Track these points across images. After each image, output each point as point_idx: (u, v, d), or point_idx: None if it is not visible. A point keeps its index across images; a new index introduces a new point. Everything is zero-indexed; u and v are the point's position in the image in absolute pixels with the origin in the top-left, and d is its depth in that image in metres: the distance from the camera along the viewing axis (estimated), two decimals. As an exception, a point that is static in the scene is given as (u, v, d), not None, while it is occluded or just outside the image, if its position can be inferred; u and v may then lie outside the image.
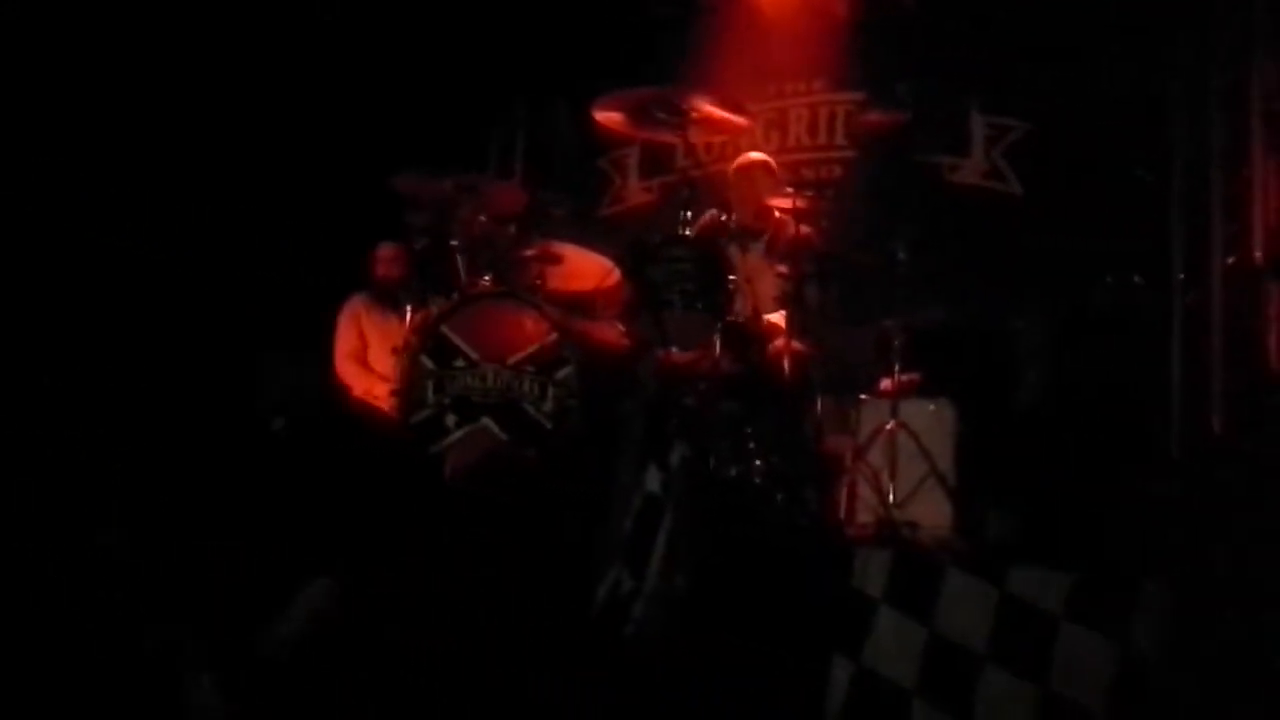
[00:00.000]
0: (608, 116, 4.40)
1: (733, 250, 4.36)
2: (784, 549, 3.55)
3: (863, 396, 4.11)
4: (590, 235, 4.98)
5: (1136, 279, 4.43)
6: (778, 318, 4.27)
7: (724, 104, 4.53)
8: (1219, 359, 4.31)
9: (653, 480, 3.49)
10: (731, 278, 4.23)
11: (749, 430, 3.90)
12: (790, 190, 4.56)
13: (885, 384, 4.12)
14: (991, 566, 3.08)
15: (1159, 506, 3.59)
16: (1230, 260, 4.45)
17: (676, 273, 4.19)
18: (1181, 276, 4.46)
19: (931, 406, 4.08)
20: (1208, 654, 2.86)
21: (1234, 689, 2.80)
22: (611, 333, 4.24)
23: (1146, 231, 4.52)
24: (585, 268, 4.44)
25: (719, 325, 4.04)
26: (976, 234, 4.77)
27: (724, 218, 4.40)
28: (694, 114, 4.34)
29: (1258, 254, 4.45)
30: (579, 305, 4.35)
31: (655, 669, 3.08)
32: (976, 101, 4.97)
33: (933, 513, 3.93)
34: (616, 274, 4.30)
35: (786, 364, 4.10)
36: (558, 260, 4.37)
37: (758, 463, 3.84)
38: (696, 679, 3.16)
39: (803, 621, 3.27)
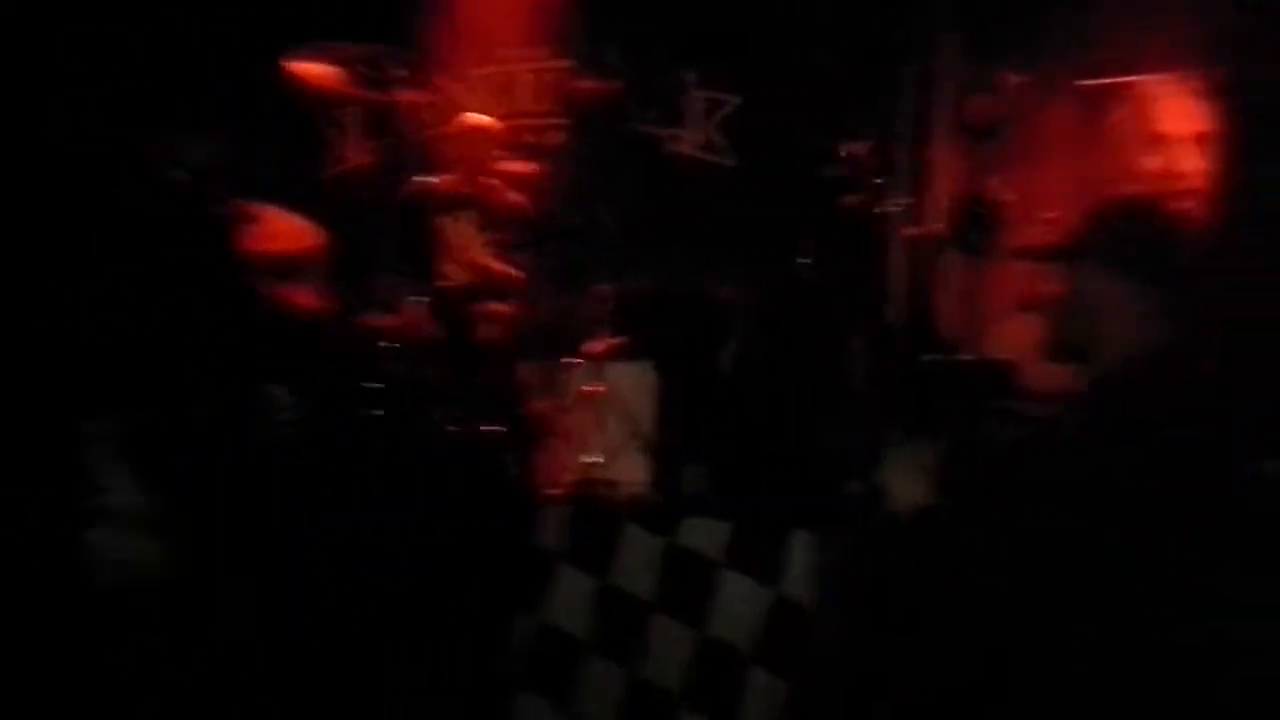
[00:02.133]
0: (317, 73, 4.29)
1: (443, 214, 4.33)
2: (481, 511, 3.58)
3: (570, 360, 4.18)
4: (306, 197, 4.83)
5: (832, 250, 4.67)
6: (486, 281, 4.28)
7: (442, 66, 4.51)
8: (901, 325, 4.63)
9: (346, 440, 3.45)
10: (441, 241, 4.23)
11: (450, 393, 3.90)
12: (507, 155, 4.58)
13: (592, 348, 4.21)
14: (665, 519, 3.20)
15: (832, 462, 3.83)
16: (913, 232, 4.79)
17: (383, 236, 4.15)
18: (869, 246, 4.74)
19: (636, 369, 4.20)
20: (858, 599, 3.07)
21: (884, 633, 3.01)
22: (307, 296, 4.14)
23: (839, 205, 4.78)
24: (284, 229, 4.30)
25: (425, 290, 4.02)
26: (690, 204, 4.91)
27: (435, 181, 4.37)
28: (406, 75, 4.30)
29: (938, 226, 4.81)
30: (278, 268, 4.21)
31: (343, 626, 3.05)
32: (693, 74, 5.11)
33: (633, 472, 4.06)
34: (319, 236, 4.19)
35: (492, 328, 4.12)
36: (253, 221, 4.21)
37: (458, 427, 3.84)
38: (382, 636, 3.15)
39: (489, 579, 3.31)
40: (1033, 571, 1.83)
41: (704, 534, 3.13)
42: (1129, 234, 1.95)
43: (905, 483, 2.55)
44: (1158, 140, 4.77)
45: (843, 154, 4.57)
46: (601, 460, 3.95)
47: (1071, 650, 1.80)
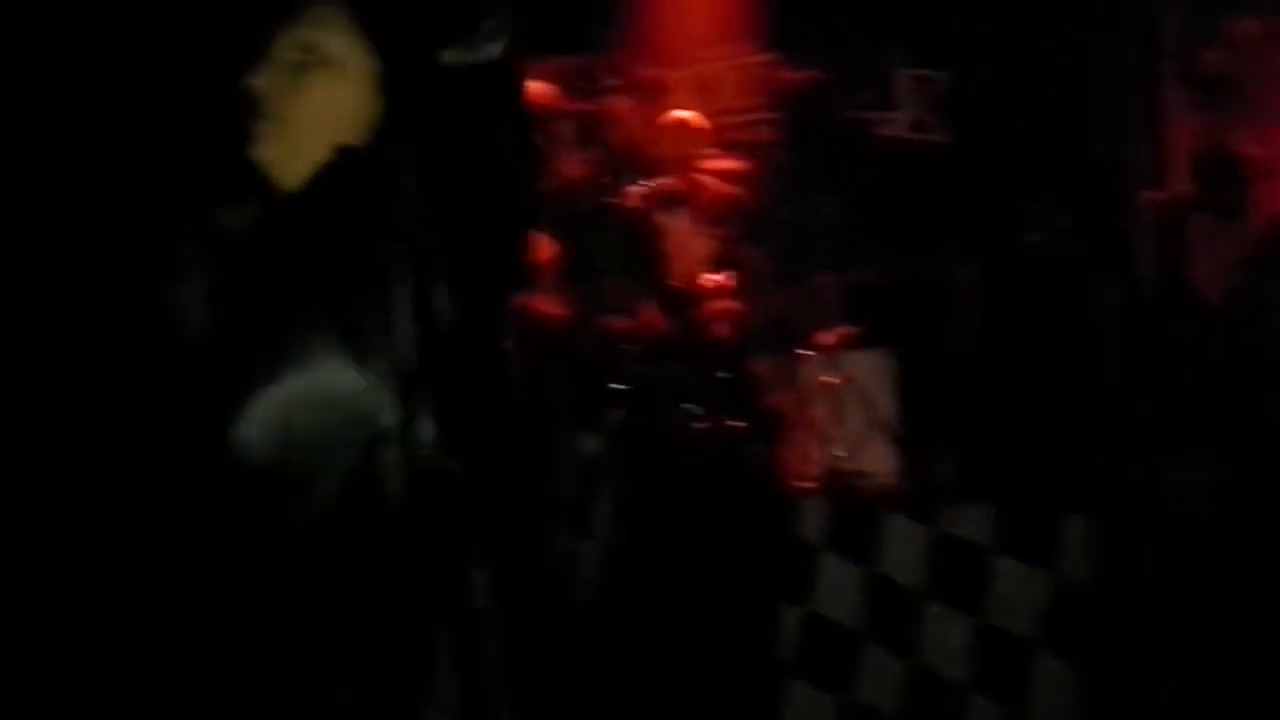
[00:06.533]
0: (534, 89, 4.42)
1: (664, 215, 4.38)
2: (730, 506, 3.60)
3: (803, 352, 4.16)
4: (530, 210, 4.96)
5: (1064, 220, 4.49)
6: (713, 278, 4.31)
7: (648, 71, 4.58)
8: (1150, 292, 4.40)
9: (592, 444, 3.53)
10: (664, 242, 4.29)
11: (691, 391, 3.93)
12: (719, 151, 4.61)
13: (825, 338, 4.18)
14: (927, 507, 3.15)
15: (1093, 437, 3.68)
16: (1153, 194, 4.54)
17: (610, 240, 4.24)
18: (1108, 214, 4.54)
19: (872, 358, 4.15)
20: (1140, 579, 2.94)
21: (1167, 611, 2.88)
22: (551, 304, 4.25)
23: (1070, 172, 4.60)
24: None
25: (654, 290, 4.08)
26: (907, 186, 4.81)
27: (653, 182, 4.43)
28: (619, 82, 4.39)
29: (1180, 187, 4.55)
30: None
31: (606, 626, 3.11)
32: (899, 54, 5.00)
33: (879, 461, 4.00)
34: (553, 246, 4.30)
35: (724, 325, 4.14)
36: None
37: (700, 424, 3.87)
38: (648, 634, 3.20)
39: (751, 573, 3.32)
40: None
41: (970, 520, 3.06)
42: None
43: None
44: None
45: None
46: (846, 452, 3.93)
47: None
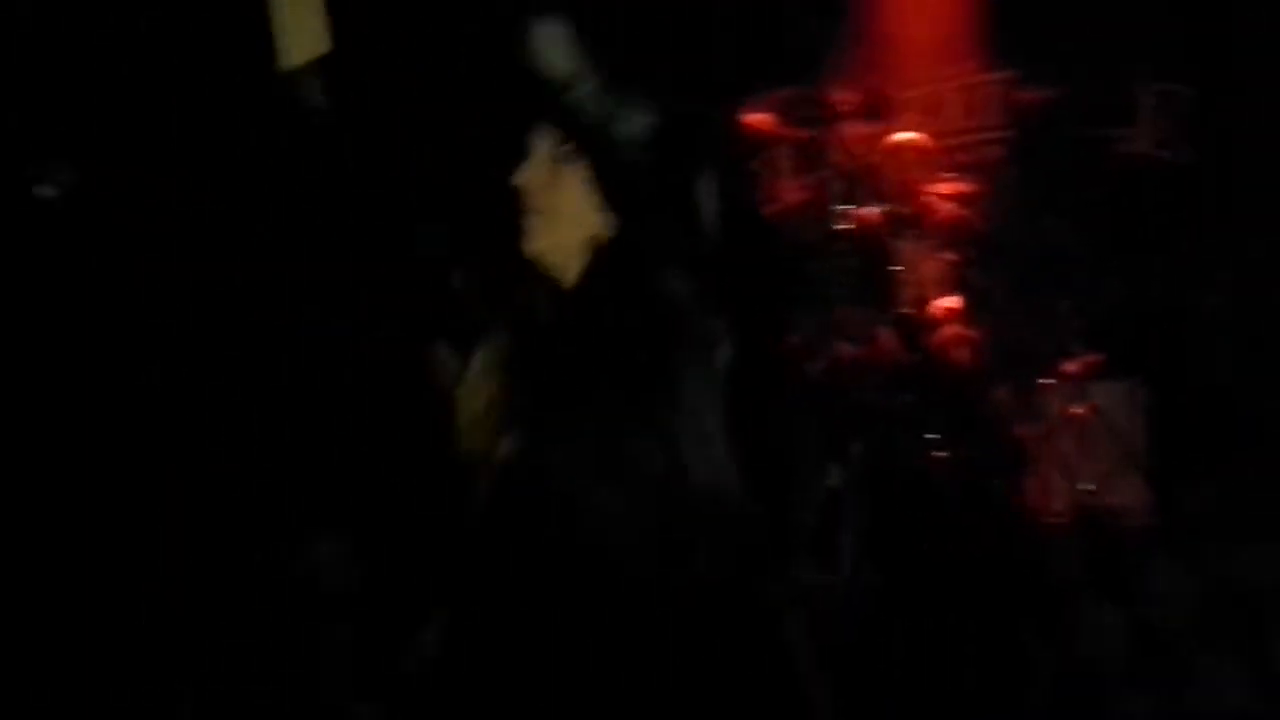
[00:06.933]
0: (755, 119, 4.46)
1: (894, 240, 4.32)
2: (976, 539, 3.49)
3: (1046, 380, 4.00)
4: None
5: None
6: (947, 304, 4.21)
7: (872, 94, 4.53)
8: None
9: (834, 476, 3.50)
10: (896, 268, 4.22)
11: (930, 421, 3.84)
12: (948, 174, 4.51)
13: (1070, 367, 4.01)
14: (1188, 545, 2.97)
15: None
16: None
17: (841, 268, 4.21)
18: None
19: (1121, 387, 3.96)
20: None
21: None
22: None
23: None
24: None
25: (888, 317, 4.02)
26: (1150, 206, 4.56)
27: (882, 208, 4.37)
28: (842, 108, 4.37)
29: None
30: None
31: (852, 662, 3.07)
32: (1140, 69, 4.76)
33: (1130, 496, 3.80)
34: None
35: (960, 352, 4.03)
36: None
37: (941, 453, 3.78)
38: (893, 672, 3.14)
39: (1000, 611, 3.21)
40: None
41: (1242, 560, 2.86)
42: None
43: None
44: None
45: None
46: (1095, 485, 3.75)
47: None
